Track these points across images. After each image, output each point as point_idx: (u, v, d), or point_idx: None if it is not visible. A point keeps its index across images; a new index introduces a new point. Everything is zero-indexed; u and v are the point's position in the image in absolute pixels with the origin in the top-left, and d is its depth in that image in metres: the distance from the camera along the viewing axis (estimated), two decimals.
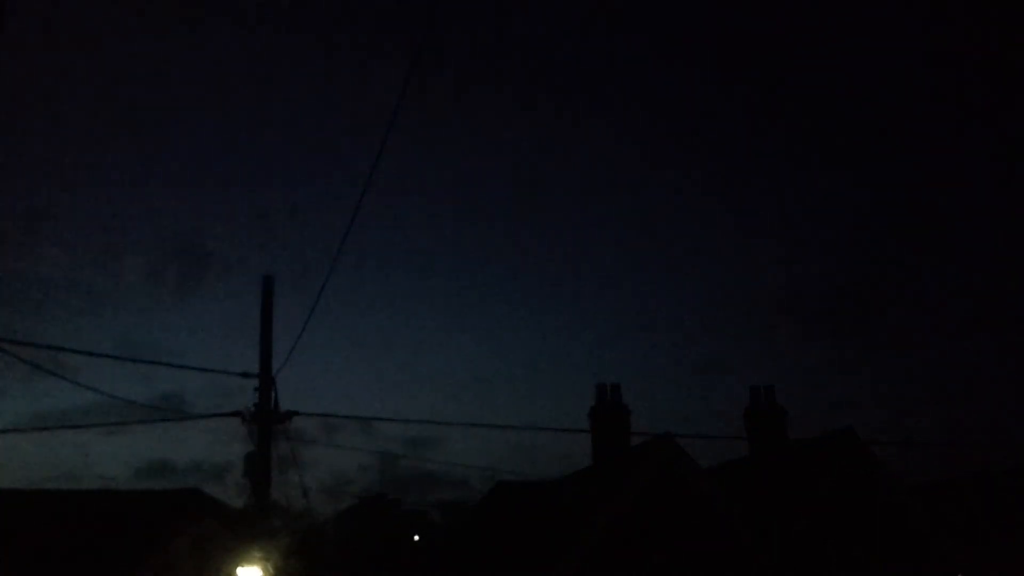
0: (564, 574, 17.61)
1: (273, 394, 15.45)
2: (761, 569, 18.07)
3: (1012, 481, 21.38)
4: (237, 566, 15.26)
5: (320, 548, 22.45)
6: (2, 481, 20.98)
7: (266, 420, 15.27)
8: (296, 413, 15.52)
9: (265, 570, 15.28)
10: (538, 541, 19.45)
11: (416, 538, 33.89)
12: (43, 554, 18.87)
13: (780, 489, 19.57)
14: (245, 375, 15.42)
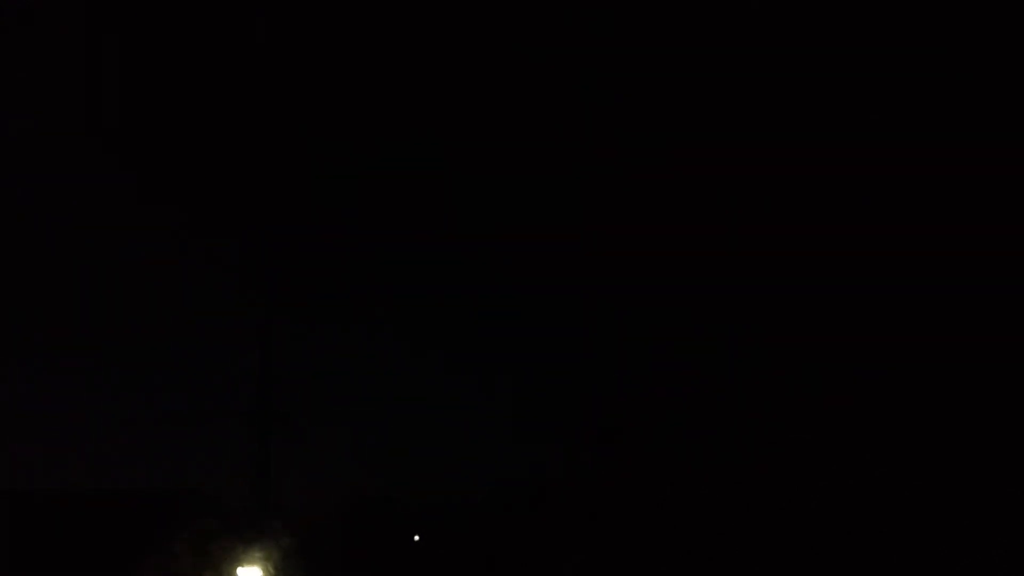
0: (564, 573, 17.60)
1: (274, 394, 15.46)
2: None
3: None
4: (237, 566, 15.25)
5: (320, 548, 22.41)
6: (1, 481, 20.94)
7: (266, 420, 15.27)
8: (297, 413, 15.53)
9: (265, 570, 15.27)
10: (539, 541, 19.42)
11: (416, 538, 33.73)
12: (42, 554, 18.83)
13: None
14: (246, 375, 15.43)
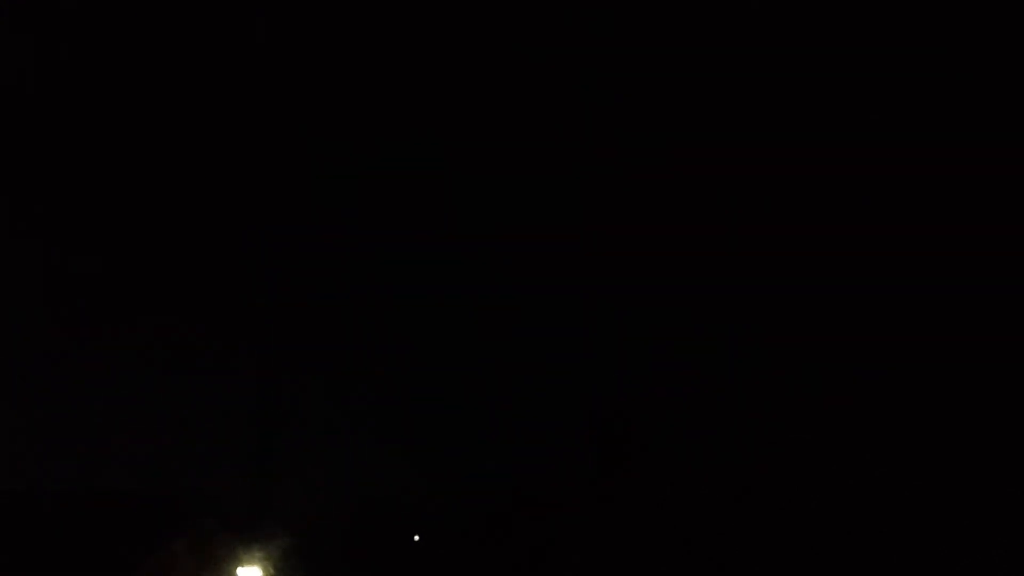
0: (564, 573, 17.60)
1: (274, 395, 15.48)
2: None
3: None
4: (237, 566, 15.27)
5: (320, 548, 22.43)
6: (1, 481, 20.98)
7: (267, 420, 15.30)
8: (298, 414, 15.54)
9: (265, 570, 15.29)
10: (539, 541, 19.43)
11: (416, 538, 33.71)
12: (42, 554, 18.85)
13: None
14: (247, 376, 15.45)
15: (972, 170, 20.23)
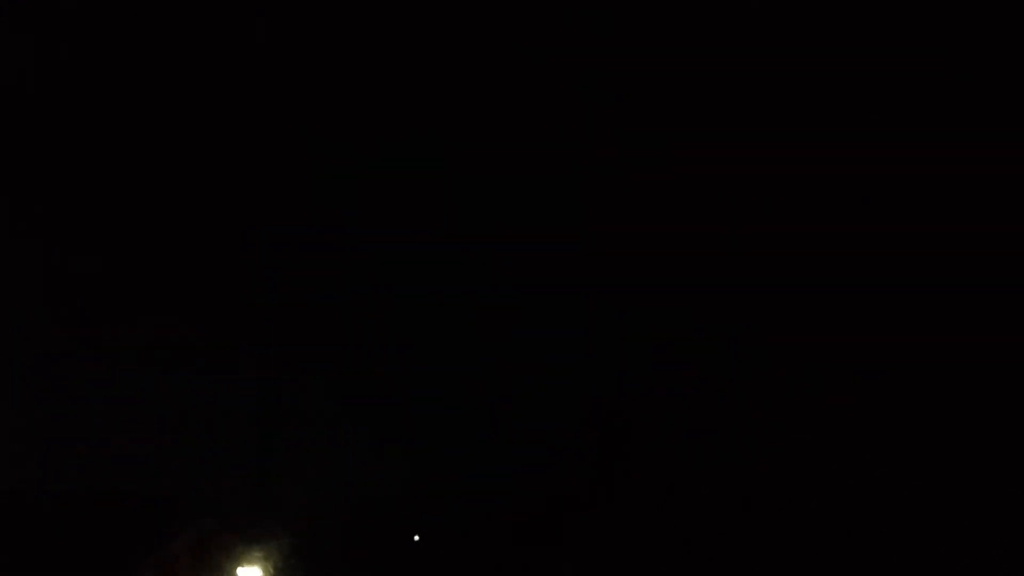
0: (565, 573, 17.62)
1: (274, 395, 15.50)
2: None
3: None
4: (237, 566, 15.28)
5: (320, 548, 22.45)
6: (1, 481, 20.97)
7: (267, 420, 15.32)
8: (298, 413, 15.57)
9: (265, 570, 15.30)
10: (539, 541, 19.44)
11: (416, 538, 33.71)
12: (42, 554, 18.84)
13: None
14: (248, 376, 15.47)
15: (972, 170, 20.24)
